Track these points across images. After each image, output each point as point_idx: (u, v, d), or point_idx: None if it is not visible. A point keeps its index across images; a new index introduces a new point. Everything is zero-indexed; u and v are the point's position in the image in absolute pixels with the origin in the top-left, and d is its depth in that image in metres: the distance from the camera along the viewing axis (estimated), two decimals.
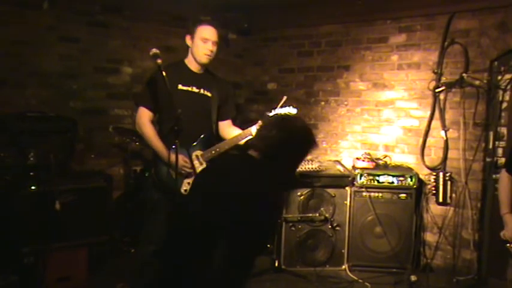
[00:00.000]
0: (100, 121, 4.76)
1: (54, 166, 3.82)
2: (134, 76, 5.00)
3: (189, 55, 3.47)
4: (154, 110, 3.43)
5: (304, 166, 4.59)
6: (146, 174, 4.55)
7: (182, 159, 3.28)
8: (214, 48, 3.42)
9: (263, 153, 2.25)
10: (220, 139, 3.62)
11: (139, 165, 4.89)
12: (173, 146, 3.10)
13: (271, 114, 3.48)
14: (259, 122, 3.38)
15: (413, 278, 4.10)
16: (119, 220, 4.59)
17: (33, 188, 3.72)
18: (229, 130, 3.64)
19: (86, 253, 3.99)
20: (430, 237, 4.66)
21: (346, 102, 5.27)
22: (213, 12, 5.42)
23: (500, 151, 4.26)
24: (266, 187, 2.22)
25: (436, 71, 4.54)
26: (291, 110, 3.58)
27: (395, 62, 4.89)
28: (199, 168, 3.37)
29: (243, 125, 3.68)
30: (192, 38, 3.40)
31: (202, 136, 3.45)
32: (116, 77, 4.95)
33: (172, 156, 3.12)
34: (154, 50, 3.10)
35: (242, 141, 3.49)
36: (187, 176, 3.35)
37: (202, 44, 3.37)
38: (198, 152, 3.43)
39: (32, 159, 3.82)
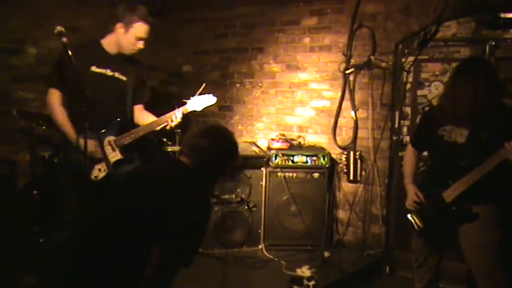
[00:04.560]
0: (2, 104, 4.47)
1: None
2: (39, 57, 4.72)
3: (110, 38, 3.33)
4: (64, 91, 3.30)
5: None
6: (55, 160, 4.35)
7: (92, 145, 3.16)
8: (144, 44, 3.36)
9: (194, 161, 2.33)
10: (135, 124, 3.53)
11: (47, 150, 4.65)
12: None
13: (189, 101, 3.46)
14: (177, 109, 3.38)
15: (326, 254, 4.26)
16: (25, 209, 4.36)
17: None
18: (140, 114, 3.55)
19: None
20: (342, 214, 4.84)
21: (260, 84, 5.31)
22: None
23: (405, 130, 4.49)
24: (197, 193, 2.27)
25: (345, 53, 4.68)
26: (211, 98, 3.55)
27: (307, 44, 4.98)
28: (111, 154, 3.27)
29: (158, 107, 3.61)
30: (126, 29, 3.26)
31: (117, 120, 3.34)
32: (20, 58, 4.65)
33: (82, 141, 3.00)
34: (59, 28, 2.93)
35: (158, 128, 3.41)
36: (98, 161, 3.24)
37: (136, 41, 3.29)
38: (111, 138, 3.32)
39: None
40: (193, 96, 3.53)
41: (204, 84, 3.61)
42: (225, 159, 2.42)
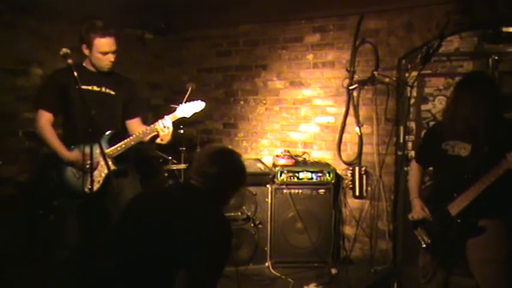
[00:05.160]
0: (8, 125, 4.49)
1: None
2: (45, 78, 4.75)
3: (88, 60, 3.39)
4: (55, 111, 3.35)
5: None
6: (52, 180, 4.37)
7: (80, 157, 3.22)
8: (115, 56, 3.35)
9: (205, 186, 2.34)
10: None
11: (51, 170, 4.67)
12: (72, 147, 3.20)
13: (178, 107, 3.44)
14: (165, 117, 3.37)
15: (333, 271, 4.25)
16: (32, 228, 4.36)
17: None
18: (139, 128, 3.54)
19: None
20: (348, 230, 4.82)
21: (264, 101, 5.33)
22: (127, 11, 5.29)
23: (410, 145, 4.49)
24: (216, 215, 2.29)
25: (349, 69, 4.71)
26: (200, 104, 3.51)
27: (310, 60, 5.02)
28: (102, 164, 3.27)
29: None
30: (89, 48, 3.30)
31: (108, 132, 3.36)
32: (25, 79, 4.69)
33: (72, 155, 3.21)
34: (64, 50, 2.98)
35: (147, 138, 3.41)
36: (91, 173, 3.24)
37: (102, 56, 3.30)
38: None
39: None
40: (181, 102, 3.50)
41: (190, 89, 3.59)
42: (233, 183, 2.44)
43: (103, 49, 3.28)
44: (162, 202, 2.35)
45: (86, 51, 3.32)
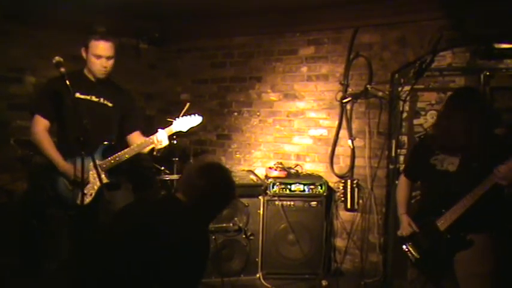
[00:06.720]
0: (0, 133, 4.48)
1: None
2: (38, 86, 4.75)
3: (87, 67, 3.39)
4: (51, 118, 3.33)
5: None
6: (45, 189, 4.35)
7: (73, 169, 3.18)
8: (110, 63, 3.35)
9: (191, 200, 2.34)
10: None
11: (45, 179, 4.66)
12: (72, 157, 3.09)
13: (175, 121, 3.45)
14: (160, 131, 3.37)
15: (324, 283, 4.24)
16: (23, 237, 4.33)
17: None
18: (139, 141, 3.52)
19: None
20: (339, 242, 4.82)
21: (258, 113, 5.35)
22: (122, 21, 5.32)
23: (401, 158, 4.50)
24: (195, 231, 2.30)
25: (342, 82, 4.74)
26: (197, 118, 3.53)
27: (304, 73, 5.04)
28: (95, 177, 3.26)
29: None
30: (87, 52, 3.31)
31: (105, 143, 3.35)
32: (18, 87, 4.69)
33: (68, 166, 3.16)
34: (57, 58, 2.98)
35: (145, 150, 3.41)
36: (84, 186, 3.22)
37: (96, 60, 3.30)
38: (97, 161, 3.29)
39: None
40: (178, 116, 3.50)
41: (188, 104, 3.59)
42: (220, 198, 2.44)
43: (97, 52, 3.29)
44: (144, 217, 2.34)
45: (84, 55, 3.34)
